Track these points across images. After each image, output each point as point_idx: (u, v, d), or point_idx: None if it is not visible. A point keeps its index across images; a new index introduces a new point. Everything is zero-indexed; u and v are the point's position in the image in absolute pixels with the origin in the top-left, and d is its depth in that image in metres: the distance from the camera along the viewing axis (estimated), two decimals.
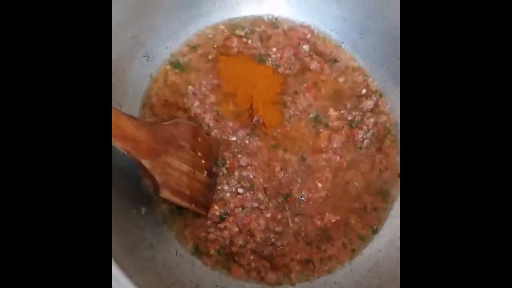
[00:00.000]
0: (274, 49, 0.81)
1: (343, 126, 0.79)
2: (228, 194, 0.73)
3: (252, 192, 0.74)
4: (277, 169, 0.76)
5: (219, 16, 0.80)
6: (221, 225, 0.71)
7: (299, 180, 0.75)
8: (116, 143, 0.56)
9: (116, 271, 0.51)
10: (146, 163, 0.61)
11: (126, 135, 0.58)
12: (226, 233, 0.71)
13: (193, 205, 0.68)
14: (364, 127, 0.80)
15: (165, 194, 0.63)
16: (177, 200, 0.65)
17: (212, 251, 0.71)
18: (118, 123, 0.56)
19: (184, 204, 0.67)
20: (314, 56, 0.83)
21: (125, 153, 0.58)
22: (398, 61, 0.79)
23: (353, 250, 0.74)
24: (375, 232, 0.76)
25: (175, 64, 0.78)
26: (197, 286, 0.67)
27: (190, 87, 0.77)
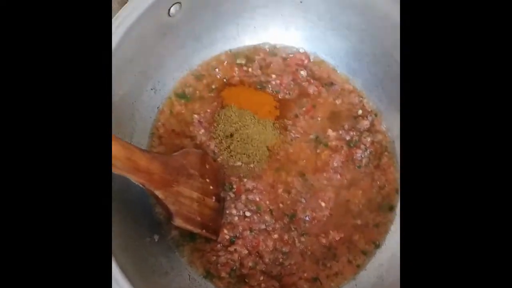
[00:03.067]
0: (273, 76, 0.85)
1: (342, 146, 0.83)
2: (236, 218, 0.76)
3: (259, 215, 0.76)
4: (281, 191, 0.79)
5: (221, 47, 0.84)
6: (231, 248, 0.74)
7: (303, 200, 0.79)
8: (131, 177, 0.59)
9: None
10: (159, 194, 0.63)
11: (140, 168, 0.60)
12: (236, 255, 0.74)
13: (204, 230, 0.71)
14: (362, 146, 0.83)
15: (178, 222, 0.66)
16: (189, 227, 0.68)
17: (223, 274, 0.73)
18: (132, 157, 0.59)
19: (196, 230, 0.69)
20: (312, 81, 0.86)
21: (140, 185, 0.61)
22: (391, 82, 0.83)
23: (357, 266, 0.77)
24: (377, 247, 0.79)
25: (181, 95, 0.81)
26: None
27: (195, 115, 0.80)
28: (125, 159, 0.57)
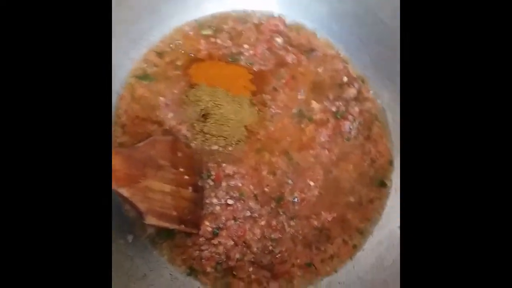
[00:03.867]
0: (246, 46, 0.77)
1: (328, 119, 0.76)
2: (218, 207, 0.69)
3: (242, 201, 0.70)
4: (265, 173, 0.72)
5: (183, 18, 0.74)
6: (215, 241, 0.68)
7: (289, 181, 0.72)
8: None
9: None
10: (124, 192, 0.56)
11: None
12: (221, 248, 0.68)
13: (182, 225, 0.64)
14: (350, 116, 0.77)
15: (150, 220, 0.59)
16: (165, 224, 0.61)
17: (208, 269, 0.68)
18: None
19: (173, 226, 0.63)
20: (289, 48, 0.78)
21: None
22: (377, 44, 0.76)
23: (354, 246, 0.72)
24: (373, 224, 0.73)
25: (142, 76, 0.72)
26: None
27: (161, 98, 0.71)
28: None
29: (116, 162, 0.56)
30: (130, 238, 0.66)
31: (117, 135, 0.69)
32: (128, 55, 0.71)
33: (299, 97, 0.76)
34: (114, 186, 0.55)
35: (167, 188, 0.63)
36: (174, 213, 0.63)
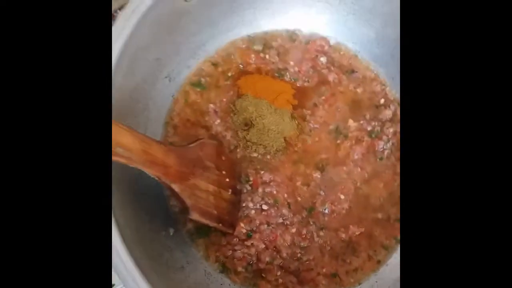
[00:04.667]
0: (291, 63, 0.81)
1: (363, 137, 0.79)
2: (253, 211, 0.73)
3: (276, 208, 0.74)
4: (299, 183, 0.76)
5: (237, 32, 0.80)
6: (248, 242, 0.72)
7: (321, 193, 0.76)
8: (147, 170, 0.56)
9: None
10: (175, 187, 0.61)
11: (157, 161, 0.58)
12: (253, 250, 0.72)
13: (220, 224, 0.68)
14: (384, 137, 0.80)
15: (194, 216, 0.64)
16: (206, 221, 0.66)
17: (239, 268, 0.72)
18: (149, 150, 0.57)
19: (212, 224, 0.67)
20: (332, 68, 0.82)
21: (155, 178, 0.58)
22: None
23: (378, 261, 0.75)
24: (399, 242, 0.76)
25: (196, 84, 0.78)
26: None
27: (211, 105, 0.77)
28: (141, 152, 0.55)
29: (170, 159, 0.61)
30: (171, 231, 0.70)
31: (169, 135, 0.75)
32: (186, 63, 0.76)
33: (337, 114, 0.80)
34: (167, 180, 0.60)
35: (211, 188, 0.68)
36: (215, 212, 0.68)
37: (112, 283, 0.74)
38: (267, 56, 0.81)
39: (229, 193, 0.72)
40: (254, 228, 0.73)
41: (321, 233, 0.74)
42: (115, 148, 0.51)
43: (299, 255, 0.73)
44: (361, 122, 0.80)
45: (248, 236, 0.72)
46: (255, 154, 0.76)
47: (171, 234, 0.70)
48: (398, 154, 0.80)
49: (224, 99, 0.78)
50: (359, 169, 0.78)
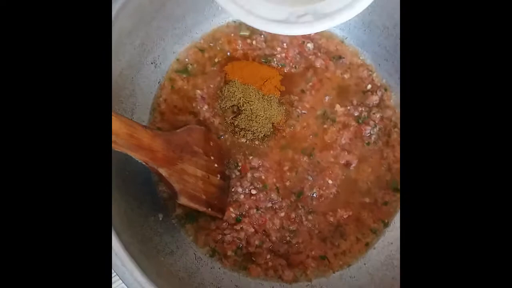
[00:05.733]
0: (278, 49, 0.81)
1: (350, 122, 0.80)
2: (242, 196, 0.74)
3: (265, 193, 0.75)
4: (287, 168, 0.77)
5: (223, 18, 0.80)
6: (237, 227, 0.73)
7: (310, 178, 0.77)
8: (133, 154, 0.56)
9: (143, 280, 0.52)
10: (163, 171, 0.61)
11: (143, 145, 0.58)
12: (242, 234, 0.73)
13: (210, 209, 0.69)
14: (371, 122, 0.81)
15: (183, 200, 0.64)
16: (194, 206, 0.66)
17: (229, 252, 0.72)
18: (135, 134, 0.57)
19: (201, 208, 0.68)
20: (319, 54, 0.83)
21: (143, 163, 0.58)
22: None
23: (366, 244, 0.76)
24: (386, 225, 0.77)
25: (182, 70, 0.78)
26: None
27: (198, 91, 0.77)
28: (128, 136, 0.55)
29: (157, 144, 0.61)
30: (160, 216, 0.71)
31: (156, 121, 0.75)
32: (172, 49, 0.76)
33: (325, 100, 0.81)
34: (154, 165, 0.60)
35: (199, 173, 0.68)
36: (204, 196, 0.68)
37: None
38: (254, 42, 0.81)
39: (218, 178, 0.72)
40: (243, 213, 0.74)
41: (310, 217, 0.75)
42: None
43: (288, 238, 0.74)
44: (348, 107, 0.81)
45: (238, 221, 0.73)
46: (243, 140, 0.76)
47: (160, 219, 0.71)
48: (385, 138, 0.81)
49: (211, 85, 0.78)
50: (346, 154, 0.79)
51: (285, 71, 0.81)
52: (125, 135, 0.55)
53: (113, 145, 0.53)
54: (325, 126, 0.79)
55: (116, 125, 0.53)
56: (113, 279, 0.71)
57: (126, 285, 0.52)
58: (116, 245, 0.52)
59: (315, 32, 0.44)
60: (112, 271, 0.52)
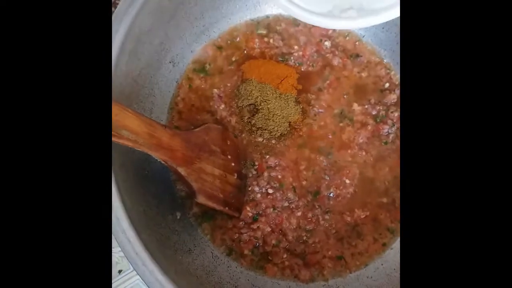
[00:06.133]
0: (296, 47, 0.81)
1: (368, 121, 0.79)
2: (259, 195, 0.74)
3: (282, 192, 0.74)
4: (304, 167, 0.76)
5: (241, 16, 0.80)
6: (254, 226, 0.73)
7: (326, 177, 0.76)
8: (153, 153, 0.57)
9: (163, 279, 0.53)
10: (182, 170, 0.61)
11: (163, 144, 0.58)
12: (259, 233, 0.73)
13: (227, 208, 0.69)
14: (389, 121, 0.80)
15: (201, 199, 0.64)
16: (212, 205, 0.66)
17: (246, 251, 0.72)
18: (155, 133, 0.57)
19: (219, 207, 0.68)
20: (336, 52, 0.82)
21: (162, 162, 0.59)
22: None
23: (383, 244, 0.75)
24: None
25: (200, 69, 0.78)
26: (236, 287, 0.68)
27: (215, 90, 0.77)
28: (148, 135, 0.55)
29: (176, 143, 0.61)
30: (178, 214, 0.71)
31: (174, 120, 0.75)
32: (190, 48, 0.76)
33: (342, 99, 0.80)
34: (173, 164, 0.60)
35: (216, 171, 0.68)
36: (221, 195, 0.68)
37: (118, 269, 0.75)
38: (271, 41, 0.80)
39: (235, 177, 0.72)
40: (260, 212, 0.74)
41: (327, 217, 0.75)
42: (121, 131, 0.51)
43: (304, 238, 0.74)
44: (366, 106, 0.80)
45: (254, 220, 0.73)
46: (260, 139, 0.76)
47: (178, 217, 0.71)
48: None
49: (229, 84, 0.78)
50: (364, 153, 0.78)
51: (302, 69, 0.80)
52: (146, 135, 0.55)
53: (133, 144, 0.53)
54: (342, 125, 0.79)
55: (137, 123, 0.54)
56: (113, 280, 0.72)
57: (146, 284, 0.52)
58: (136, 244, 0.53)
59: (358, 27, 0.42)
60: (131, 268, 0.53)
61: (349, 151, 0.78)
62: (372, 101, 0.81)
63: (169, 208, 0.70)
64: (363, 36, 0.84)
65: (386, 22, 0.79)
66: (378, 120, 0.79)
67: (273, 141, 0.77)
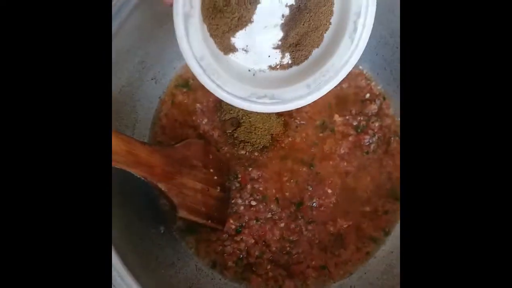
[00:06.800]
0: None
1: (349, 132, 0.80)
2: (242, 207, 0.75)
3: (265, 204, 0.76)
4: (287, 179, 0.78)
5: None
6: (237, 238, 0.74)
7: (309, 188, 0.77)
8: (132, 170, 0.58)
9: None
10: (162, 186, 0.63)
11: (141, 161, 0.60)
12: (242, 245, 0.74)
13: (209, 221, 0.70)
14: (370, 131, 0.81)
15: (182, 213, 0.66)
16: (194, 218, 0.68)
17: (230, 263, 0.73)
18: (133, 150, 0.58)
19: (201, 221, 0.69)
20: None
21: (142, 178, 0.60)
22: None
23: (367, 253, 0.76)
24: (387, 234, 0.77)
25: (182, 84, 0.80)
26: None
27: (198, 105, 0.79)
28: (126, 153, 0.57)
29: (155, 159, 0.62)
30: (162, 229, 0.73)
31: (157, 135, 0.77)
32: (172, 64, 0.78)
33: (323, 110, 0.82)
34: (153, 180, 0.61)
35: (199, 186, 0.69)
36: (203, 209, 0.70)
37: None
38: None
39: (218, 190, 0.73)
40: (244, 224, 0.75)
41: (310, 227, 0.76)
42: None
43: (288, 248, 0.75)
44: (347, 117, 0.81)
45: (238, 232, 0.74)
46: (242, 152, 0.78)
47: (162, 232, 0.72)
48: (384, 147, 0.81)
49: (211, 99, 0.79)
50: (345, 163, 0.79)
51: None
52: (124, 152, 0.56)
53: (112, 162, 0.54)
54: (324, 136, 0.80)
55: (115, 142, 0.55)
56: None
57: None
58: (115, 259, 0.54)
59: (269, 112, 0.56)
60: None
61: (331, 161, 0.79)
62: (353, 111, 0.82)
63: (152, 222, 0.71)
64: None
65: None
66: (359, 131, 0.81)
67: (256, 154, 0.78)
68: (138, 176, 0.59)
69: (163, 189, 0.63)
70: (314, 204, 0.77)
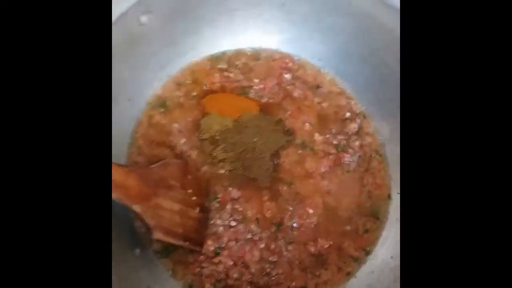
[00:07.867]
0: (256, 81, 0.83)
1: (330, 151, 0.80)
2: (221, 228, 0.74)
3: (244, 224, 0.75)
4: (267, 198, 0.77)
5: (200, 52, 0.82)
6: (216, 260, 0.72)
7: (290, 208, 0.77)
8: None
9: None
10: (137, 208, 0.62)
11: (115, 183, 0.59)
12: (221, 267, 0.72)
13: (187, 242, 0.69)
14: (350, 150, 0.81)
15: (158, 235, 0.64)
16: (170, 240, 0.66)
17: (207, 286, 0.72)
18: None
19: (178, 242, 0.68)
20: (297, 84, 0.84)
21: (116, 200, 0.59)
22: (380, 83, 0.81)
23: (348, 273, 0.75)
24: (368, 253, 0.77)
25: (159, 104, 0.79)
26: None
27: (175, 125, 0.78)
28: None
29: (130, 181, 0.61)
30: (137, 251, 0.71)
31: (133, 156, 0.76)
32: (148, 85, 0.78)
33: (304, 129, 0.82)
34: (127, 202, 0.60)
35: (176, 207, 0.68)
36: (181, 230, 0.68)
37: None
38: (231, 75, 0.83)
39: (197, 211, 0.72)
40: (223, 245, 0.73)
41: (290, 248, 0.75)
42: None
43: (268, 270, 0.74)
44: (327, 136, 0.82)
45: (216, 253, 0.73)
46: (222, 171, 0.77)
47: (137, 254, 0.71)
48: (365, 166, 0.81)
49: (189, 119, 0.79)
50: (326, 182, 0.79)
51: (263, 101, 0.82)
52: None
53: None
54: (304, 155, 0.80)
55: None
56: None
57: None
58: None
59: None
60: None
61: (311, 180, 0.79)
62: (334, 130, 0.82)
63: (127, 245, 0.70)
64: (324, 68, 0.86)
65: (347, 54, 0.83)
66: (339, 149, 0.81)
67: (235, 173, 0.77)
68: (113, 198, 0.58)
69: (138, 211, 0.62)
70: (294, 224, 0.76)
